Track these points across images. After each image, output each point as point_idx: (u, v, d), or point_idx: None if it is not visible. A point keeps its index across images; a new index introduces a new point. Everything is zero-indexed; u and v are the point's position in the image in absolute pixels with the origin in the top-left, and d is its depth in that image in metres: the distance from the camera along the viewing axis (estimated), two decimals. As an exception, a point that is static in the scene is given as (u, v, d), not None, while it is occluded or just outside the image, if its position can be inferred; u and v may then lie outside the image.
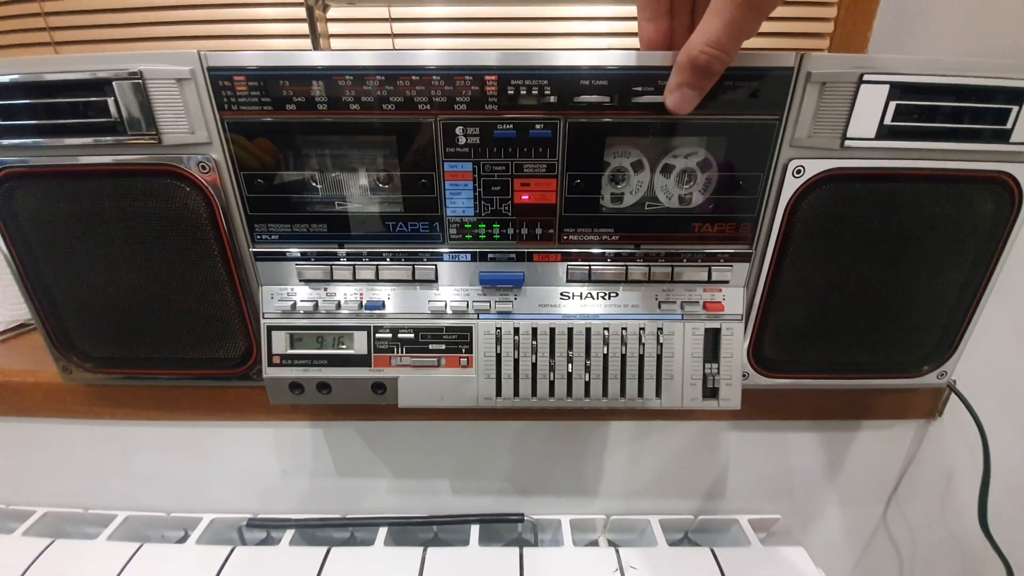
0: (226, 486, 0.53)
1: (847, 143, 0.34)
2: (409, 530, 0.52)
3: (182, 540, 0.52)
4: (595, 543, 0.53)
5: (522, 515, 0.51)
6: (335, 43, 0.57)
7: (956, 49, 0.49)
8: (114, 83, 0.32)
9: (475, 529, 0.50)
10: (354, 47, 0.57)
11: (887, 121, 0.33)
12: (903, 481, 0.55)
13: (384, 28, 0.56)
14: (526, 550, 0.47)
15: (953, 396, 0.48)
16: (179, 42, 0.59)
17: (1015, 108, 0.34)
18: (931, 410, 0.50)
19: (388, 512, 0.52)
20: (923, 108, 0.33)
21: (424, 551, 0.47)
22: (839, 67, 0.32)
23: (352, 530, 0.53)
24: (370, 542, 0.49)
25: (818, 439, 0.51)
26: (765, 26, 0.56)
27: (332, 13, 0.50)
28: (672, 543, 0.50)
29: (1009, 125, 0.34)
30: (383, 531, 0.50)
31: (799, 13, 0.58)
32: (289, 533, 0.50)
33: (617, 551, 0.47)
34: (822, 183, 0.35)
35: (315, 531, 0.52)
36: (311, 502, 0.53)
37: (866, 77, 0.32)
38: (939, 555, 0.59)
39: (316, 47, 0.40)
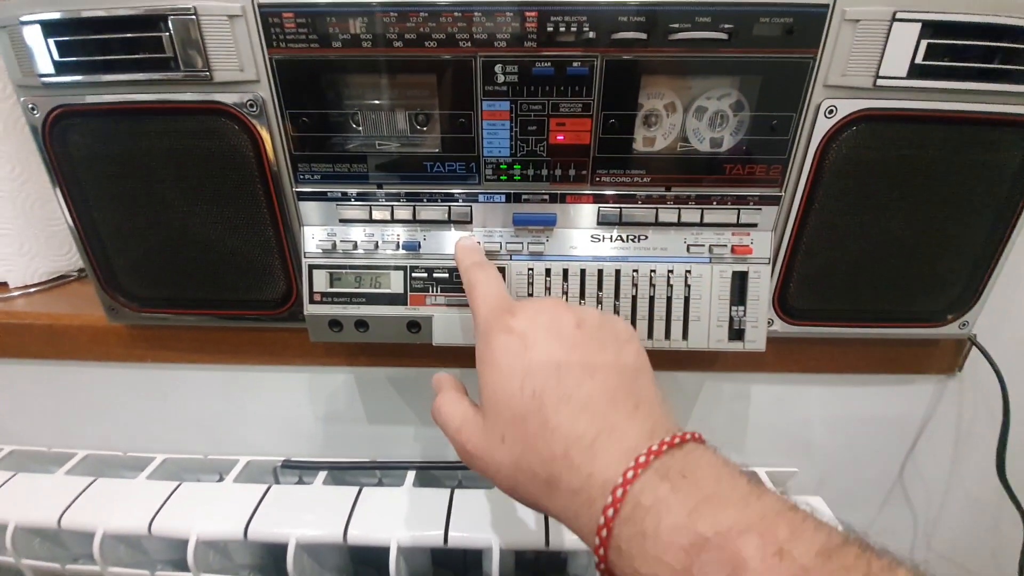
0: (261, 430, 0.55)
1: (879, 82, 0.34)
2: (435, 475, 0.54)
3: (219, 482, 0.54)
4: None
5: (546, 462, 0.52)
6: None
7: None
8: (169, 18, 0.33)
9: (500, 475, 0.52)
10: None
11: (919, 60, 0.34)
12: (921, 438, 0.55)
13: None
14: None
15: (973, 352, 0.48)
16: None
17: (1046, 49, 0.34)
18: (951, 365, 0.50)
19: (415, 459, 0.54)
20: (954, 47, 0.33)
21: (452, 492, 0.49)
22: (873, 5, 0.32)
23: (380, 475, 0.55)
24: (398, 486, 0.51)
25: (837, 393, 0.52)
26: None
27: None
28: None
29: (1041, 67, 0.35)
30: (411, 475, 0.52)
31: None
32: (322, 475, 0.52)
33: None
34: (853, 124, 0.36)
35: (345, 474, 0.54)
36: (342, 447, 0.55)
37: (899, 15, 0.32)
38: (955, 512, 0.60)
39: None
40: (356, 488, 0.49)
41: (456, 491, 0.49)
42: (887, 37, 0.33)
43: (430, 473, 0.53)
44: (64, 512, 0.48)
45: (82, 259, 0.43)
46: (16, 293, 0.56)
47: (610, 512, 0.21)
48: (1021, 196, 0.39)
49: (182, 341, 0.49)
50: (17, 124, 0.51)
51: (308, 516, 0.47)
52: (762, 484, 0.21)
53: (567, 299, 0.40)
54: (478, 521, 0.46)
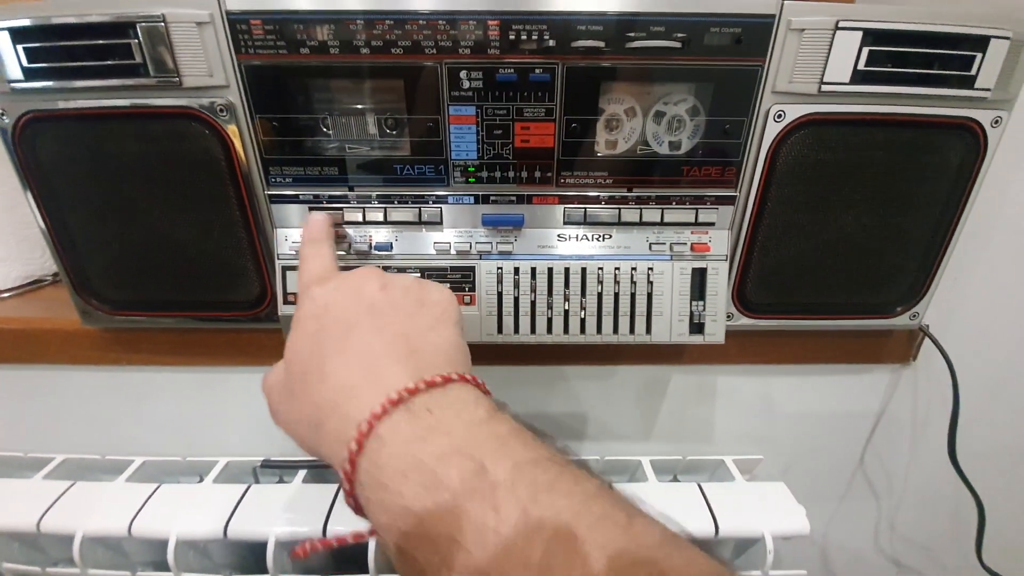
0: (238, 431, 0.55)
1: (824, 88, 0.36)
2: (414, 471, 0.55)
3: (199, 483, 0.54)
4: (590, 483, 0.57)
5: (521, 456, 0.54)
6: None
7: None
8: (138, 25, 0.34)
9: (477, 469, 0.53)
10: None
11: (861, 66, 0.36)
12: (880, 425, 0.58)
13: None
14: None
15: (926, 342, 0.51)
16: None
17: (979, 55, 0.36)
18: (905, 355, 0.53)
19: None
20: (894, 54, 0.36)
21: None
22: (817, 14, 0.34)
23: (360, 472, 0.56)
24: (377, 482, 0.52)
25: (799, 383, 0.55)
26: None
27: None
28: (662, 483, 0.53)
29: (973, 71, 0.37)
30: (389, 471, 0.53)
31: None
32: (301, 474, 0.53)
33: (610, 484, 0.50)
34: (801, 128, 0.38)
35: (325, 472, 0.54)
36: (320, 445, 0.56)
37: (841, 24, 0.34)
38: (916, 496, 0.63)
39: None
40: (335, 486, 0.50)
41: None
42: (830, 45, 0.35)
43: (408, 469, 0.54)
44: (43, 516, 0.48)
45: (55, 263, 0.43)
46: (-13, 298, 0.56)
47: (353, 446, 0.21)
48: (963, 194, 0.42)
49: (157, 343, 0.49)
50: (-14, 128, 0.51)
51: (287, 514, 0.48)
52: (510, 422, 0.23)
53: (535, 296, 0.41)
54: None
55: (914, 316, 0.47)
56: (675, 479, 0.58)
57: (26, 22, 0.35)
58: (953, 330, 0.50)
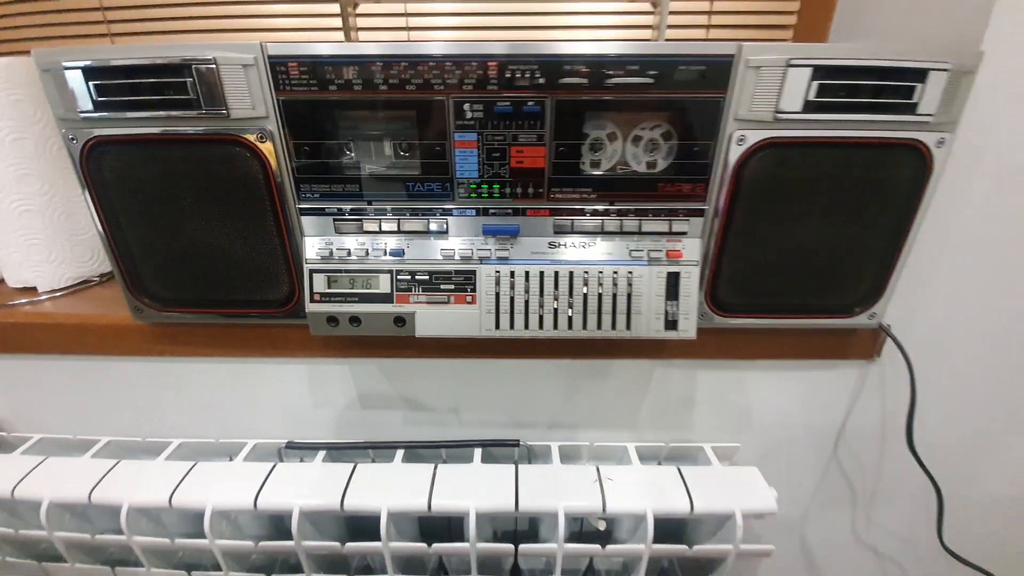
0: (266, 416, 0.61)
1: (779, 116, 0.42)
2: (420, 453, 0.61)
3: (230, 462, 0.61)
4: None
5: (518, 440, 0.59)
6: (361, 36, 0.65)
7: (904, 32, 0.57)
8: (193, 67, 0.40)
9: (478, 452, 0.59)
10: (375, 39, 0.66)
11: (811, 98, 0.41)
12: (850, 417, 0.63)
13: (400, 22, 0.64)
14: (520, 466, 0.56)
15: (889, 340, 0.56)
16: (210, 34, 0.67)
17: (919, 85, 0.42)
18: (869, 352, 0.58)
19: (404, 439, 0.61)
20: (840, 86, 0.41)
21: (435, 467, 0.56)
22: (770, 54, 0.40)
23: (373, 454, 0.62)
24: (388, 463, 0.58)
25: (772, 377, 0.60)
26: (736, 19, 0.65)
27: (359, 9, 0.58)
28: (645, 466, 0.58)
29: (915, 99, 0.42)
30: (400, 453, 0.59)
31: (767, 7, 0.66)
32: (321, 454, 0.59)
33: (597, 468, 0.56)
34: (761, 149, 0.43)
35: (342, 454, 0.61)
36: (338, 431, 0.62)
37: (792, 62, 0.40)
38: (889, 485, 0.67)
39: (347, 39, 0.48)
40: (351, 465, 0.56)
41: (439, 466, 0.56)
42: (783, 80, 0.41)
43: (416, 451, 0.60)
44: (93, 489, 0.55)
45: (112, 266, 0.50)
46: (44, 296, 0.63)
47: None
48: (913, 206, 0.47)
49: (197, 337, 0.56)
50: (46, 147, 0.58)
51: (309, 489, 0.54)
52: None
53: (529, 296, 0.47)
54: (457, 491, 0.53)
55: (872, 316, 0.52)
56: (660, 464, 0.64)
57: (96, 62, 0.41)
58: (915, 329, 0.55)
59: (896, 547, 0.72)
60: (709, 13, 0.65)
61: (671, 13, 0.65)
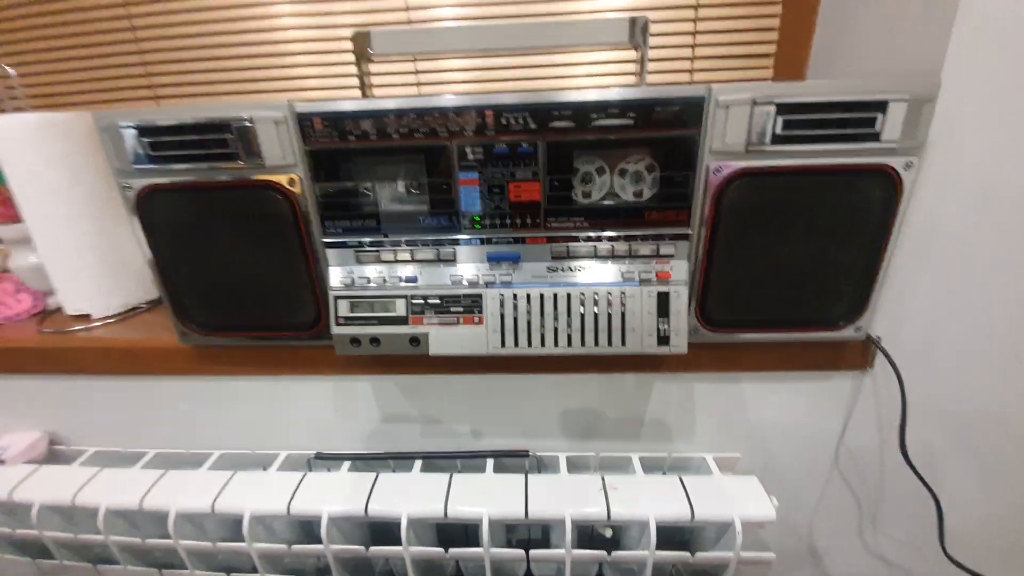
0: (297, 429, 0.67)
1: (750, 148, 0.46)
2: (437, 464, 0.65)
3: (264, 471, 0.66)
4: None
5: (527, 451, 0.63)
6: (376, 91, 0.72)
7: (875, 58, 0.61)
8: (232, 125, 0.47)
9: (490, 463, 0.63)
10: (388, 94, 0.73)
11: (778, 132, 0.45)
12: (849, 425, 0.65)
13: (411, 77, 0.72)
14: (530, 476, 0.60)
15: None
16: (240, 94, 0.75)
17: (879, 115, 0.45)
18: (862, 362, 0.60)
19: (421, 450, 0.66)
20: (804, 121, 0.45)
21: (451, 476, 0.60)
22: (738, 94, 0.44)
23: (393, 464, 0.67)
24: (407, 472, 0.63)
25: (769, 388, 0.63)
26: (718, 50, 0.70)
27: (373, 67, 0.65)
28: (648, 475, 0.61)
29: (877, 129, 0.46)
30: (418, 464, 0.64)
31: (746, 38, 0.70)
32: (346, 465, 0.64)
33: (603, 477, 0.60)
34: (736, 178, 0.47)
35: (365, 463, 0.66)
36: (362, 442, 0.67)
37: (758, 101, 0.44)
38: (892, 492, 0.69)
39: (364, 94, 0.55)
40: (374, 474, 0.61)
41: (454, 476, 0.60)
42: (751, 117, 0.45)
43: (433, 462, 0.65)
44: (144, 497, 0.61)
45: (161, 295, 0.56)
46: (97, 323, 0.70)
47: None
48: (887, 225, 0.50)
49: (234, 357, 0.62)
50: (97, 191, 0.66)
51: (336, 496, 0.59)
52: None
53: (531, 316, 0.51)
54: (471, 499, 0.58)
55: (858, 329, 0.55)
56: (664, 474, 0.67)
57: (149, 123, 0.48)
58: (904, 339, 0.58)
59: (904, 555, 0.72)
60: (693, 46, 0.70)
61: (659, 53, 0.70)
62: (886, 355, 0.57)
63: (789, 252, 0.51)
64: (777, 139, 0.46)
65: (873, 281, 0.53)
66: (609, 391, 0.64)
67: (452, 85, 0.74)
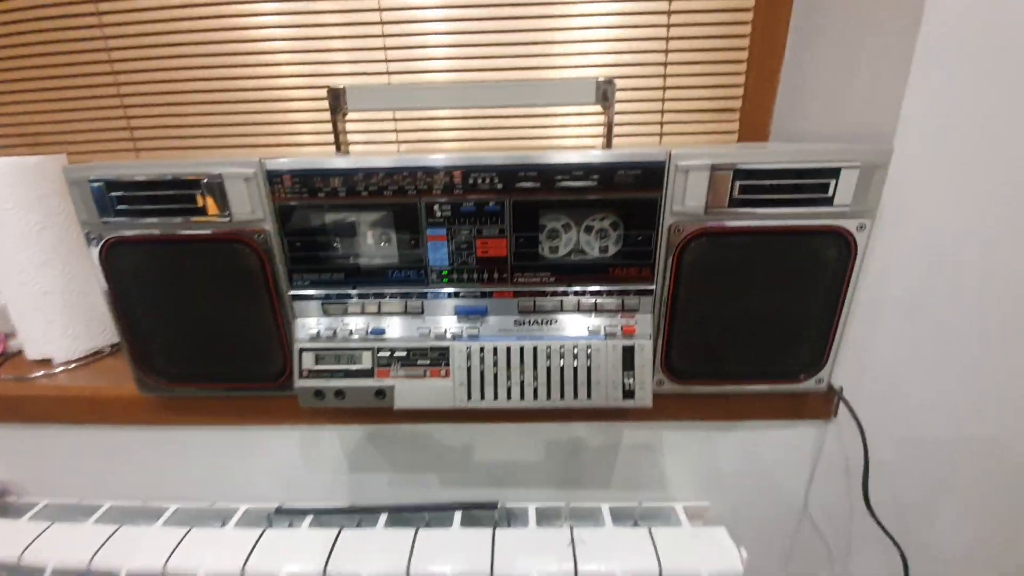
0: (262, 479, 0.65)
1: (709, 210, 0.48)
2: (404, 516, 0.64)
3: (222, 527, 0.64)
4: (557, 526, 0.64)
5: (496, 503, 0.62)
6: (353, 148, 0.73)
7: (833, 122, 0.64)
8: (202, 181, 0.47)
9: (458, 515, 0.62)
10: (366, 146, 0.74)
11: (735, 195, 0.47)
12: (816, 473, 0.66)
13: (390, 126, 0.73)
14: (497, 531, 0.59)
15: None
16: (217, 149, 0.76)
17: (832, 181, 0.47)
18: (826, 412, 0.61)
19: (388, 502, 0.64)
20: (760, 186, 0.47)
21: (416, 531, 0.59)
22: (697, 159, 0.46)
23: (359, 517, 0.65)
24: (372, 527, 0.61)
25: (736, 437, 0.63)
26: (687, 105, 0.73)
27: (351, 118, 0.67)
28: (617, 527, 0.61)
29: (830, 193, 0.48)
30: (383, 517, 0.62)
31: (713, 94, 0.74)
32: (308, 519, 0.62)
33: (571, 529, 0.59)
34: (696, 237, 0.49)
35: (329, 517, 0.64)
36: (329, 492, 0.66)
37: (715, 165, 0.46)
38: (859, 542, 0.69)
39: (338, 149, 0.56)
40: (336, 530, 0.59)
41: (420, 531, 0.59)
42: (709, 180, 0.47)
43: (400, 515, 0.63)
44: (94, 556, 0.58)
45: (123, 346, 0.55)
46: (59, 368, 0.68)
47: None
48: (843, 282, 0.52)
49: (198, 407, 0.61)
50: (67, 236, 0.65)
51: (295, 555, 0.57)
52: None
53: (498, 370, 0.52)
54: (436, 557, 0.56)
55: (819, 381, 0.56)
56: (635, 523, 0.66)
57: (117, 178, 0.48)
58: (865, 389, 0.59)
59: (877, 605, 0.72)
60: (663, 100, 0.74)
61: (630, 106, 0.73)
62: (848, 406, 0.58)
63: (750, 307, 0.52)
64: (734, 202, 0.47)
65: (831, 335, 0.54)
66: (579, 440, 0.63)
67: (431, 134, 0.76)
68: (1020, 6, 0.46)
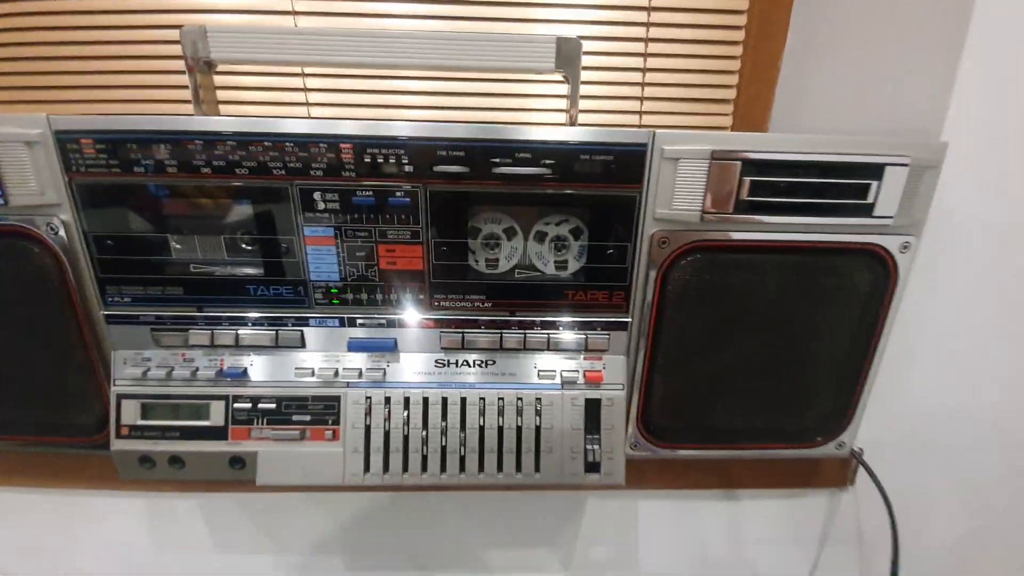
0: (97, 558, 0.48)
1: (707, 216, 0.34)
2: (292, 613, 0.48)
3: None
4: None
5: (415, 595, 0.47)
6: (249, 109, 0.55)
7: (850, 115, 0.51)
8: (-46, 143, 0.31)
9: (364, 612, 0.46)
10: (263, 113, 0.55)
11: (744, 196, 0.34)
12: (824, 550, 0.52)
13: (300, 97, 0.55)
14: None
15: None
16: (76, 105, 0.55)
17: (874, 183, 0.34)
18: (841, 479, 0.48)
19: (271, 592, 0.48)
20: (778, 184, 0.34)
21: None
22: (692, 144, 0.33)
23: (230, 613, 0.49)
24: (247, 627, 0.45)
25: (729, 508, 0.50)
26: (667, 106, 0.57)
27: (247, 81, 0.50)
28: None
29: (870, 200, 0.35)
30: (262, 615, 0.46)
31: (702, 80, 0.61)
32: (155, 618, 0.46)
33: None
34: (689, 253, 0.35)
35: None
36: (187, 580, 0.49)
37: (717, 153, 0.33)
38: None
39: (197, 108, 0.40)
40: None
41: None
42: (708, 174, 0.33)
43: (285, 611, 0.47)
44: None
45: None
46: None
47: None
48: (877, 319, 0.39)
49: (3, 465, 0.44)
50: None
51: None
52: None
53: (408, 429, 0.37)
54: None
55: (840, 445, 0.43)
56: (598, 617, 0.52)
57: None
58: (888, 452, 0.46)
59: None
60: (642, 85, 0.60)
61: (601, 89, 0.59)
62: (871, 474, 0.45)
63: (755, 349, 0.38)
64: (742, 206, 0.34)
65: (858, 388, 0.41)
66: (528, 510, 0.49)
67: (359, 110, 0.58)
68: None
